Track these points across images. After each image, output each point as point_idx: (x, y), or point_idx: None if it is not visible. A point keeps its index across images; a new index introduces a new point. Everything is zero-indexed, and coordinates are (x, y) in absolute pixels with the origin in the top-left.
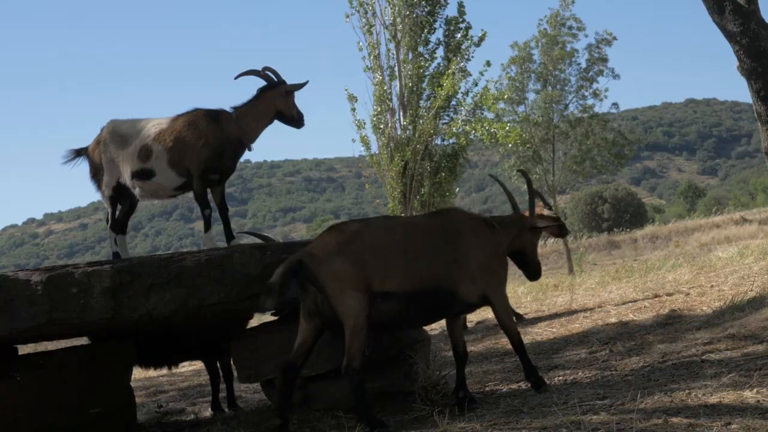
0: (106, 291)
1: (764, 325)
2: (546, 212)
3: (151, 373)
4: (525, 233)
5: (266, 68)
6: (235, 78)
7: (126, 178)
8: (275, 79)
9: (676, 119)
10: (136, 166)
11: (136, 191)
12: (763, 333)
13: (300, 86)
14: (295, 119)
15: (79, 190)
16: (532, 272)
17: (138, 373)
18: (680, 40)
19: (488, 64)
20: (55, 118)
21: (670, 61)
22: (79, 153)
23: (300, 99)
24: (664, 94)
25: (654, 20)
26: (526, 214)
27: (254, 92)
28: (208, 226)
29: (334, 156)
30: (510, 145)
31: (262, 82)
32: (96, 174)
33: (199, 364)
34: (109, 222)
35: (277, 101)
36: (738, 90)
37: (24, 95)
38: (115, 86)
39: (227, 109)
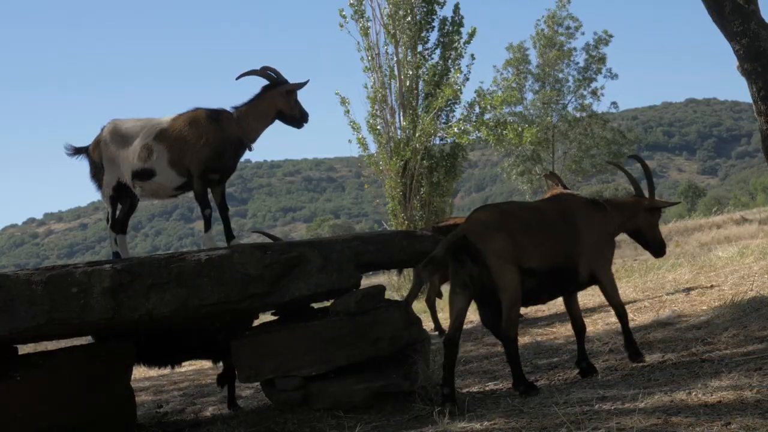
0: (106, 291)
1: (764, 325)
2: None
3: (152, 373)
4: (641, 214)
5: (266, 68)
6: (237, 78)
7: (126, 178)
8: (276, 79)
9: (676, 119)
10: (137, 165)
11: (137, 191)
12: (763, 333)
13: (301, 85)
14: (297, 119)
15: (79, 190)
16: (654, 250)
17: (138, 373)
18: (680, 40)
19: (473, 57)
20: (55, 118)
21: (670, 61)
22: (79, 151)
23: (300, 98)
24: (664, 94)
25: (654, 20)
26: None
27: (256, 92)
28: (208, 226)
29: (334, 156)
30: (528, 144)
31: (264, 82)
32: (96, 173)
33: (199, 364)
34: (110, 222)
35: (277, 101)
36: (738, 90)
37: (24, 95)
38: (115, 86)
39: (228, 108)
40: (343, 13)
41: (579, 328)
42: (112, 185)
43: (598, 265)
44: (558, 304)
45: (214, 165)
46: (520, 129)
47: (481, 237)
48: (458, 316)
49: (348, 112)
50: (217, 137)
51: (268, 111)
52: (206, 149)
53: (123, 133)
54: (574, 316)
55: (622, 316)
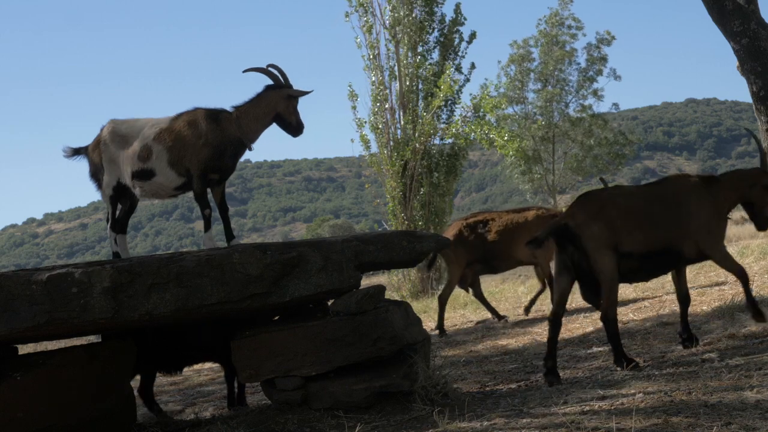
0: (106, 291)
1: (764, 325)
2: None
3: None
4: (757, 188)
5: (272, 65)
6: (244, 71)
7: (126, 178)
8: (281, 80)
9: (676, 119)
10: (137, 166)
11: (137, 191)
12: (763, 333)
13: (303, 93)
14: (293, 126)
15: (79, 190)
16: (760, 224)
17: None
18: (680, 40)
19: (473, 66)
20: (55, 118)
21: (670, 61)
22: (77, 152)
23: (301, 98)
24: (664, 94)
25: (654, 20)
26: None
27: (257, 91)
28: (208, 226)
29: (334, 156)
30: (510, 154)
31: (269, 81)
32: (96, 173)
33: (199, 364)
34: (109, 222)
35: (278, 103)
36: (738, 90)
37: (24, 95)
38: (115, 86)
39: (228, 108)
40: (353, 3)
41: (683, 299)
42: (112, 185)
43: (708, 244)
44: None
45: (213, 165)
46: (506, 138)
47: (580, 225)
48: (562, 296)
49: (355, 108)
50: (217, 137)
51: (267, 112)
52: (205, 149)
53: (123, 133)
54: (680, 287)
55: (743, 281)
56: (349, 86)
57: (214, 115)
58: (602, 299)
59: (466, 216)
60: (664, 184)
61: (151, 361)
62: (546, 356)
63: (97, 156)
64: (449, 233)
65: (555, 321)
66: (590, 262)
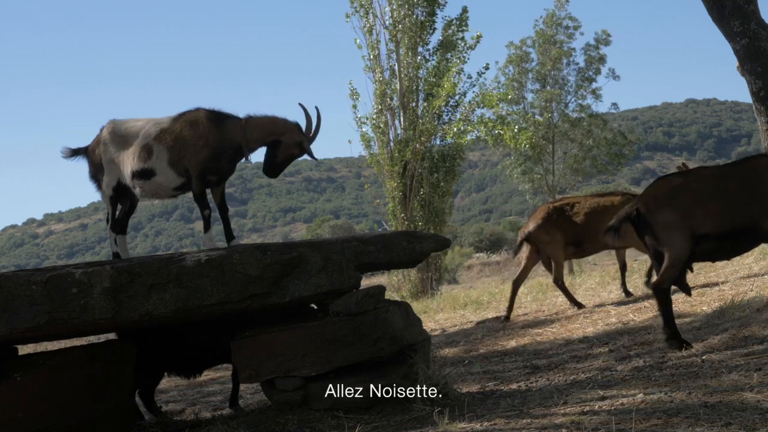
0: (106, 291)
1: (764, 325)
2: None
3: None
4: None
5: (307, 109)
6: (299, 104)
7: (126, 178)
8: (311, 127)
9: (676, 119)
10: (137, 165)
11: (137, 191)
12: (763, 333)
13: (311, 155)
14: (275, 164)
15: (79, 190)
16: None
17: None
18: (680, 40)
19: (487, 66)
20: (55, 118)
21: (670, 61)
22: (77, 152)
23: (301, 98)
24: (664, 94)
25: (654, 20)
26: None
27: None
28: (207, 227)
29: (334, 156)
30: (524, 147)
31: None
32: (96, 174)
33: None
34: (109, 222)
35: (286, 137)
36: (738, 90)
37: (24, 95)
38: (115, 86)
39: (239, 115)
40: (354, 4)
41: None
42: (112, 186)
43: None
44: (558, 305)
45: (211, 166)
46: (516, 129)
47: (651, 211)
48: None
49: (356, 107)
50: (216, 139)
51: (273, 132)
52: (205, 150)
53: (123, 133)
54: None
55: None
56: (350, 84)
57: (217, 117)
58: (660, 271)
59: (552, 200)
60: (745, 164)
61: (166, 364)
62: (664, 323)
63: (97, 157)
64: (538, 216)
65: (658, 290)
66: (660, 245)
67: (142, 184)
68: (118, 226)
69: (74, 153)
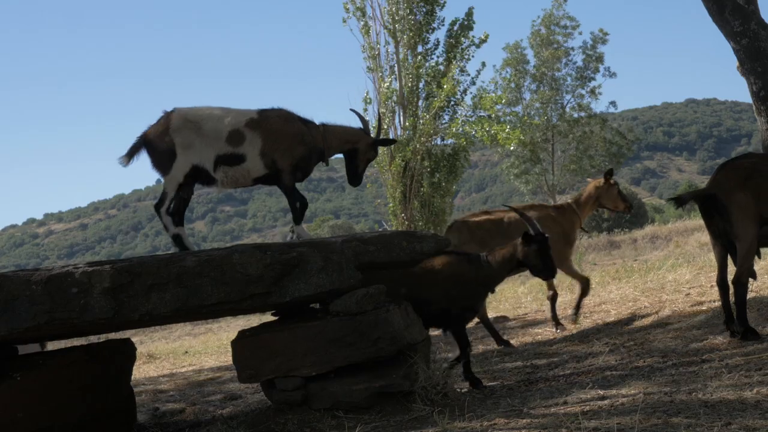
0: (106, 291)
1: (764, 325)
2: None
3: (152, 372)
4: None
5: (360, 115)
6: (351, 109)
7: (208, 163)
8: (368, 126)
9: (676, 119)
10: (225, 149)
11: (219, 176)
12: (763, 333)
13: (388, 142)
14: (357, 172)
15: (79, 191)
16: None
17: (138, 373)
18: (680, 40)
19: (483, 65)
20: (54, 118)
21: (670, 61)
22: (134, 150)
23: (302, 98)
24: (664, 94)
25: (654, 20)
26: None
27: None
28: (301, 218)
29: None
30: (511, 148)
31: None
32: (162, 161)
33: (198, 364)
34: (166, 206)
35: (360, 142)
36: (738, 90)
37: (24, 95)
38: (115, 86)
39: (315, 121)
40: (347, 6)
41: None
42: (185, 171)
43: None
44: (558, 305)
45: (303, 165)
46: (508, 129)
47: (727, 194)
48: (721, 261)
49: (366, 111)
50: (311, 140)
51: (349, 140)
52: (301, 147)
53: (194, 119)
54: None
55: None
56: (366, 94)
57: (305, 121)
58: (737, 265)
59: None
60: None
61: None
62: (726, 320)
63: (167, 143)
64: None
65: (722, 285)
66: (733, 230)
67: (226, 170)
68: (176, 217)
69: (132, 153)
